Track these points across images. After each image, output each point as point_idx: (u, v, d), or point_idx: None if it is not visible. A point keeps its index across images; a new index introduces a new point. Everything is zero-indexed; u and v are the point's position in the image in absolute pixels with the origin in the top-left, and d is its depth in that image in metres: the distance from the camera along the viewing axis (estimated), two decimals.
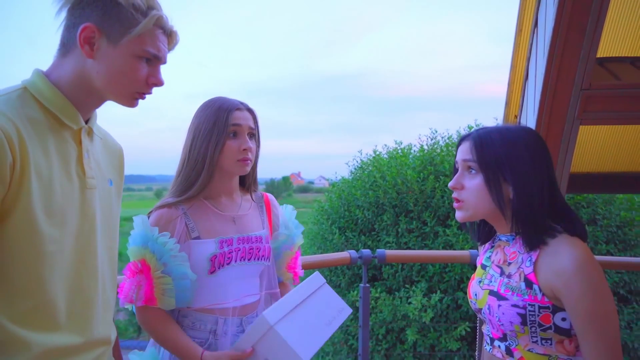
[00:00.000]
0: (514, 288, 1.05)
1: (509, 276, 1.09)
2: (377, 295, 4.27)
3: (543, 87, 1.72)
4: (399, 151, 5.41)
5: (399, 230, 4.60)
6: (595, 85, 1.65)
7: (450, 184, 1.14)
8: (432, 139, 5.41)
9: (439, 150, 5.12)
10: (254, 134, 1.39)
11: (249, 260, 1.37)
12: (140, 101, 0.99)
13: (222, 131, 1.31)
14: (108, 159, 1.09)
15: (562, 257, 1.00)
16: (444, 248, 4.36)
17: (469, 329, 4.03)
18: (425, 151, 5.16)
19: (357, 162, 5.72)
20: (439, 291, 4.16)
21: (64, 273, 0.90)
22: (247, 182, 1.48)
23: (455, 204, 1.15)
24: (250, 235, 1.39)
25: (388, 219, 4.68)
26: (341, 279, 4.74)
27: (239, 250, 1.35)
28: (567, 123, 1.72)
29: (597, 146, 2.45)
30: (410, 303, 4.15)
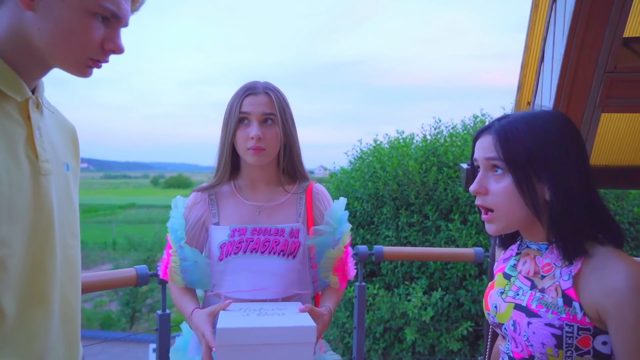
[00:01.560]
0: (549, 304, 0.93)
1: (543, 291, 0.96)
2: (375, 291, 4.20)
3: (562, 69, 1.60)
4: (401, 141, 5.30)
5: (399, 224, 4.51)
6: (621, 68, 1.53)
7: (471, 188, 0.99)
8: (435, 129, 5.30)
9: (442, 141, 5.02)
10: (270, 119, 1.35)
11: (262, 252, 1.34)
12: (95, 71, 0.83)
13: (232, 119, 1.34)
14: (62, 138, 0.94)
15: (613, 273, 0.88)
16: (446, 243, 4.28)
17: (470, 329, 3.96)
18: (428, 141, 5.06)
19: (356, 151, 5.61)
20: (440, 289, 4.09)
21: (14, 282, 0.76)
22: (288, 171, 1.43)
23: (483, 216, 1.00)
24: (269, 227, 1.36)
25: (388, 212, 4.59)
26: None
27: (251, 241, 1.34)
28: (588, 110, 1.61)
29: (616, 136, 2.34)
30: (409, 301, 4.08)
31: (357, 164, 5.35)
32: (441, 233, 4.33)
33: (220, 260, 1.34)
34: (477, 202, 1.01)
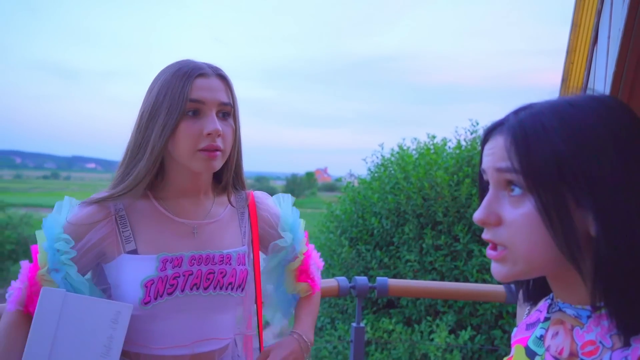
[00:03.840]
0: None
1: None
2: (391, 327, 3.91)
3: (621, 49, 1.29)
4: (431, 147, 4.97)
5: (424, 245, 4.23)
6: None
7: (476, 216, 0.73)
8: (472, 133, 4.95)
9: (479, 148, 4.66)
10: (228, 112, 1.15)
11: (205, 289, 1.15)
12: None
13: (175, 107, 1.08)
14: None
15: None
16: (479, 272, 3.97)
17: None
18: (463, 148, 4.73)
19: (377, 158, 5.31)
20: (469, 327, 3.80)
21: None
22: (224, 180, 1.21)
23: (490, 252, 0.74)
24: (211, 253, 1.17)
25: (410, 232, 4.31)
26: (348, 302, 4.36)
27: (191, 274, 1.14)
28: None
29: None
30: (432, 340, 3.80)
31: (378, 173, 5.07)
32: (473, 259, 4.02)
33: (147, 304, 1.10)
34: (486, 236, 0.73)
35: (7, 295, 1.11)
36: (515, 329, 0.88)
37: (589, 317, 0.71)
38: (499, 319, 3.84)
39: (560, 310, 0.76)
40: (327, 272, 4.55)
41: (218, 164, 1.13)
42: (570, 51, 1.83)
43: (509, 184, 0.70)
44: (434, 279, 4.07)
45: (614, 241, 0.64)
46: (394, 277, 4.23)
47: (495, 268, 0.73)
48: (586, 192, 0.65)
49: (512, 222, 0.70)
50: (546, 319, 0.80)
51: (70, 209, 1.13)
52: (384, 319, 3.98)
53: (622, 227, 0.64)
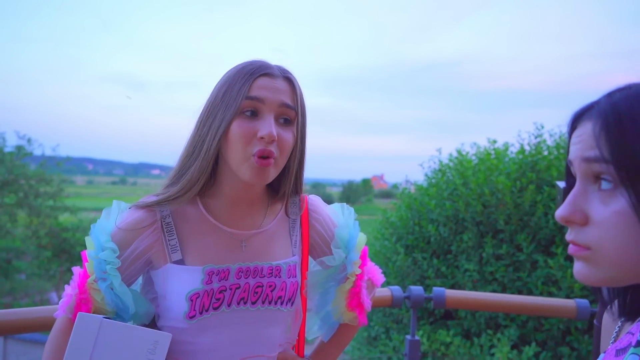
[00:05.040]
0: None
1: None
2: (448, 339, 3.74)
3: None
4: (491, 152, 4.75)
5: (484, 255, 4.02)
6: None
7: (559, 213, 0.64)
8: (536, 137, 4.67)
9: (545, 153, 4.42)
10: (291, 119, 1.04)
11: (254, 303, 1.08)
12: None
13: (231, 104, 0.99)
14: None
15: None
16: (544, 284, 3.71)
17: None
18: (527, 153, 4.48)
19: (434, 163, 5.13)
20: (534, 343, 3.56)
21: None
22: (282, 191, 1.12)
23: (573, 249, 0.65)
24: (260, 264, 1.09)
25: (470, 240, 4.12)
26: (403, 312, 4.21)
27: (238, 287, 1.06)
28: None
29: None
30: (493, 355, 3.57)
31: (435, 179, 4.89)
32: (538, 270, 3.78)
33: (192, 318, 1.03)
34: (569, 236, 0.64)
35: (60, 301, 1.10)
36: (602, 356, 0.76)
37: None
38: (567, 335, 3.58)
39: None
40: (384, 283, 4.43)
41: (270, 176, 1.03)
42: None
43: (598, 176, 0.60)
44: (494, 290, 3.86)
45: None
46: (452, 287, 4.05)
47: (577, 267, 0.63)
48: None
49: (602, 222, 0.60)
50: (639, 343, 0.67)
51: (119, 213, 1.08)
52: (441, 330, 3.81)
53: None
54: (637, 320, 0.70)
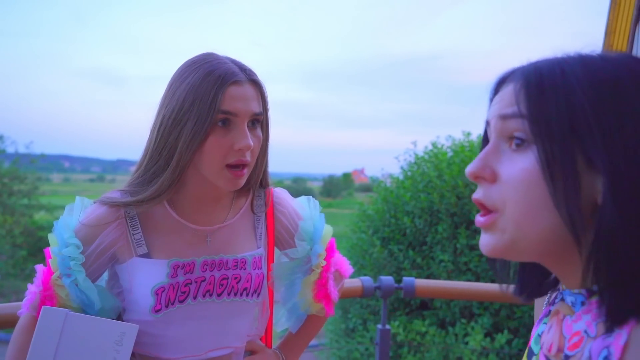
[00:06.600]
0: None
1: None
2: (424, 329, 3.81)
3: None
4: (466, 145, 4.81)
5: (458, 246, 4.10)
6: None
7: (468, 169, 0.63)
8: None
9: None
10: (259, 120, 1.08)
11: (219, 295, 1.10)
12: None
13: (204, 117, 0.99)
14: None
15: None
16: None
17: None
18: None
19: (410, 156, 5.19)
20: (506, 330, 3.64)
21: None
22: (248, 186, 1.15)
23: (478, 219, 0.63)
24: (225, 257, 1.11)
25: (444, 231, 4.19)
26: (380, 304, 4.27)
27: (203, 280, 1.09)
28: None
29: None
30: (467, 343, 3.65)
31: (410, 172, 4.95)
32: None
33: (157, 311, 1.05)
34: (476, 195, 0.63)
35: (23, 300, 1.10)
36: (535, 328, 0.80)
37: (582, 303, 0.61)
38: None
39: (562, 298, 0.66)
40: (359, 273, 4.46)
41: (243, 182, 1.07)
42: (609, 33, 1.68)
43: (511, 135, 0.61)
44: (468, 280, 3.93)
45: (622, 209, 0.54)
46: (427, 277, 4.11)
47: (483, 240, 0.63)
48: (600, 150, 0.55)
49: (508, 179, 0.60)
50: (549, 313, 0.70)
51: (82, 209, 1.09)
52: (417, 320, 3.87)
53: (634, 194, 0.54)
54: (548, 295, 0.73)
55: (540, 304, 0.80)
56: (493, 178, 0.61)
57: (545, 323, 0.70)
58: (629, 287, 0.54)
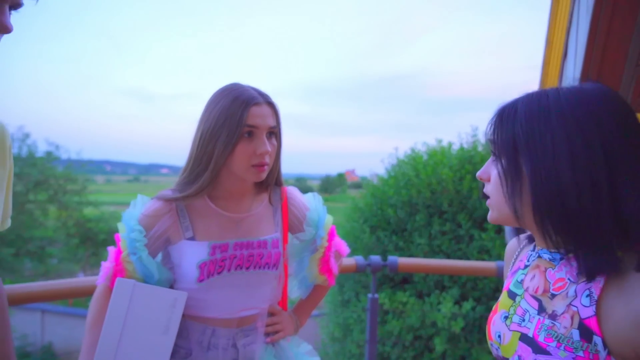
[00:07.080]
0: (561, 337, 0.66)
1: (553, 316, 0.69)
2: (405, 299, 3.86)
3: (584, 64, 1.24)
4: (438, 150, 4.90)
5: (432, 232, 4.15)
6: None
7: (478, 173, 0.83)
8: (473, 137, 4.85)
9: (480, 149, 4.58)
10: (274, 132, 1.17)
11: (247, 268, 1.16)
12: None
13: (234, 131, 1.09)
14: None
15: None
16: (479, 253, 3.87)
17: None
18: (465, 149, 4.64)
19: (393, 159, 5.27)
20: (471, 299, 3.69)
21: None
22: (266, 183, 1.23)
23: (488, 202, 0.84)
24: (251, 239, 1.18)
25: (421, 220, 4.24)
26: (369, 279, 4.34)
27: (235, 257, 1.15)
28: None
29: None
30: (440, 310, 3.71)
31: (393, 172, 5.02)
32: (474, 242, 3.92)
33: (201, 281, 1.12)
34: (484, 189, 0.83)
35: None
36: (505, 277, 0.90)
37: (561, 259, 0.72)
38: (496, 292, 3.73)
39: (539, 257, 0.77)
40: (352, 254, 4.51)
41: (265, 175, 1.15)
42: (545, 64, 1.77)
43: (492, 152, 0.77)
44: (441, 259, 4.01)
45: (541, 192, 0.68)
46: (408, 257, 4.18)
47: (489, 214, 0.81)
48: (528, 162, 0.69)
49: (491, 180, 0.77)
50: (526, 267, 0.81)
51: (142, 204, 1.17)
52: (400, 292, 3.93)
53: (544, 177, 0.67)
54: (527, 251, 0.85)
55: (509, 261, 0.91)
56: (488, 179, 0.79)
57: (524, 274, 0.80)
58: (596, 251, 0.65)
